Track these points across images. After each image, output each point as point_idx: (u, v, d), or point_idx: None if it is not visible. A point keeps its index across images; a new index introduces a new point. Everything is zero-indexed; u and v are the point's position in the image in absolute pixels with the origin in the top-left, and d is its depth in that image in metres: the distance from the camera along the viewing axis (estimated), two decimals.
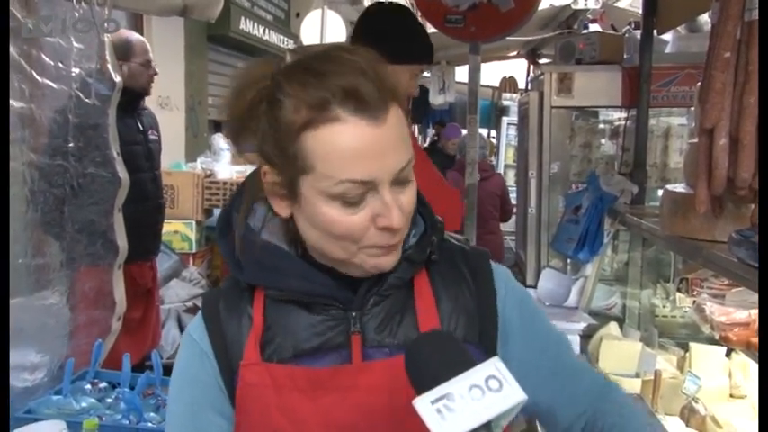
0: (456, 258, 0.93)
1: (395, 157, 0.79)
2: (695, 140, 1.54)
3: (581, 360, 1.00)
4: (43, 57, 2.01)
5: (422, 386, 0.68)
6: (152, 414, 1.80)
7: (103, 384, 1.92)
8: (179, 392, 0.91)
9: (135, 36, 3.08)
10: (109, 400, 1.86)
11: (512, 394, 0.67)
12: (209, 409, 0.88)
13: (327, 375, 0.84)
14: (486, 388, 0.67)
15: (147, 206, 3.06)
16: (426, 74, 6.08)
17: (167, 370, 1.98)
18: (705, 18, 2.91)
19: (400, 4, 2.13)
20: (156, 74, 3.07)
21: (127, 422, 1.74)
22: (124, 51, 2.89)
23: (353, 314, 0.85)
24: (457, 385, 0.67)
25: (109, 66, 2.19)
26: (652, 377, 1.98)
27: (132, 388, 1.87)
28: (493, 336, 0.90)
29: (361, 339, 0.85)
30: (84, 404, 1.80)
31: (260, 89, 0.81)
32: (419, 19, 2.06)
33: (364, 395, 0.83)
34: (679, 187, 1.73)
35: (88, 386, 1.89)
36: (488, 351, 0.89)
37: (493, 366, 0.69)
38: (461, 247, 0.95)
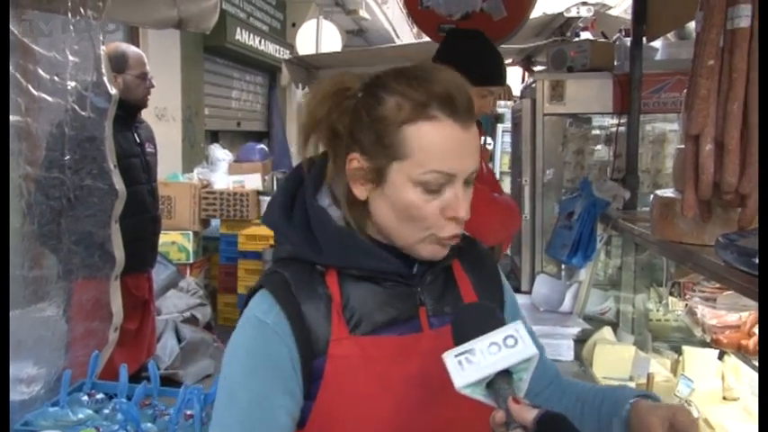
0: (473, 246, 1.11)
1: (472, 159, 0.94)
2: (683, 146, 1.56)
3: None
4: (39, 70, 2.03)
5: (456, 345, 0.83)
6: (149, 424, 1.79)
7: (100, 395, 1.92)
8: (247, 378, 0.92)
9: (131, 49, 3.08)
10: (106, 411, 1.86)
11: (524, 350, 0.80)
12: (279, 392, 0.92)
13: (411, 342, 0.97)
14: (504, 345, 0.81)
15: (144, 218, 3.07)
16: None
17: (164, 381, 2.00)
18: (694, 25, 2.94)
19: (473, 31, 2.28)
20: (152, 86, 3.06)
21: None
22: (119, 64, 2.90)
23: (418, 289, 1.00)
24: (480, 343, 0.81)
25: (105, 78, 2.20)
26: (645, 380, 1.99)
27: (129, 399, 1.88)
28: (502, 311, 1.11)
29: (425, 310, 1.00)
30: (81, 415, 1.80)
31: (351, 94, 0.95)
32: (490, 43, 2.22)
33: (438, 356, 0.92)
34: (668, 192, 1.74)
35: (85, 397, 1.89)
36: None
37: (513, 328, 0.82)
38: (471, 238, 1.12)
